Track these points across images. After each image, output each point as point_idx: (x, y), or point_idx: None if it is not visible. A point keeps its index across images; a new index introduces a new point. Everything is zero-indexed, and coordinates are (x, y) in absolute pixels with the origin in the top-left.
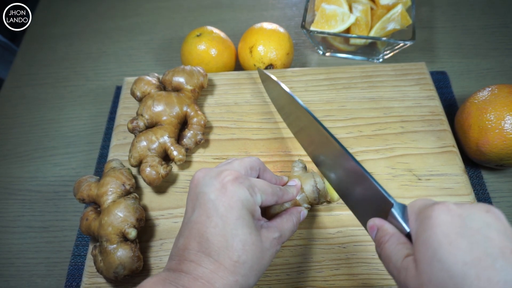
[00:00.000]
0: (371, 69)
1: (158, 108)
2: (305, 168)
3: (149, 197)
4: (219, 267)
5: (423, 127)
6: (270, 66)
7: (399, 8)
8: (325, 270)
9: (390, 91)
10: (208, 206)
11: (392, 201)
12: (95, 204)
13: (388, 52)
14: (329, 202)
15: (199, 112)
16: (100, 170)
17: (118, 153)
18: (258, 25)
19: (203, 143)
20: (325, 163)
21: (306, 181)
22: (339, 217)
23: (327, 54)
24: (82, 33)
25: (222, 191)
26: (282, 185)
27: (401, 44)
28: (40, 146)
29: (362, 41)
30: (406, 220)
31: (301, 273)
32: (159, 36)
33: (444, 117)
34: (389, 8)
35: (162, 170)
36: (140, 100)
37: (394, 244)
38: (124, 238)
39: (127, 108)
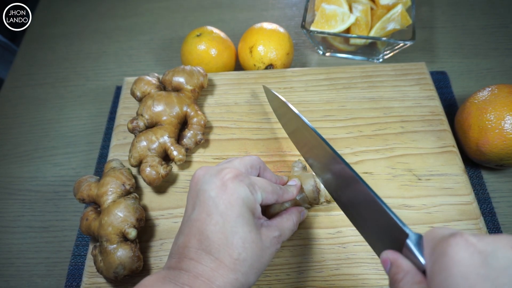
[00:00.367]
0: (371, 69)
1: (158, 108)
2: (305, 168)
3: (149, 197)
4: (219, 265)
5: (423, 127)
6: (270, 66)
7: (399, 8)
8: (325, 270)
9: (390, 91)
10: (208, 203)
11: (407, 231)
12: (95, 204)
13: (388, 52)
14: (329, 202)
15: (199, 112)
16: (100, 170)
17: (118, 153)
18: (258, 25)
19: (203, 143)
20: (332, 185)
21: (306, 181)
22: (339, 217)
23: (327, 54)
24: (82, 33)
25: (223, 188)
26: (282, 185)
27: (401, 44)
28: (40, 146)
29: (362, 41)
30: (422, 251)
31: (301, 273)
32: (159, 36)
33: (444, 117)
34: (389, 8)
35: (162, 170)
36: (140, 100)
37: (408, 283)
38: (124, 238)
39: (127, 108)
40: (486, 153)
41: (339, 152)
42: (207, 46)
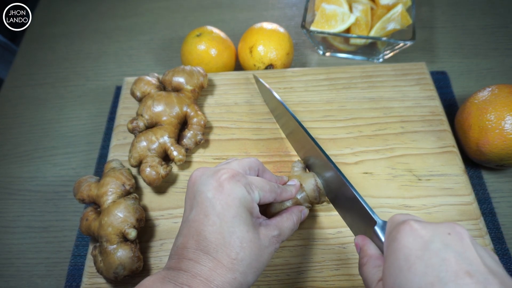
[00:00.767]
0: (371, 69)
1: (158, 108)
2: (305, 168)
3: (149, 197)
4: (217, 265)
5: (423, 127)
6: (270, 66)
7: (399, 8)
8: (325, 271)
9: (390, 91)
10: (205, 204)
11: (376, 219)
12: (95, 204)
13: (388, 52)
14: (329, 202)
15: (199, 112)
16: (100, 170)
17: (118, 153)
18: (258, 25)
19: (203, 143)
20: (315, 169)
21: (306, 180)
22: (339, 217)
23: (327, 54)
24: (82, 33)
25: (219, 189)
26: (282, 185)
27: (401, 44)
28: (40, 146)
29: (362, 41)
30: None
31: (301, 273)
32: (159, 36)
33: (444, 117)
34: (389, 8)
35: (162, 170)
36: (140, 100)
37: (370, 267)
38: (124, 238)
39: (127, 108)
40: (486, 153)
41: (339, 152)
42: (207, 46)
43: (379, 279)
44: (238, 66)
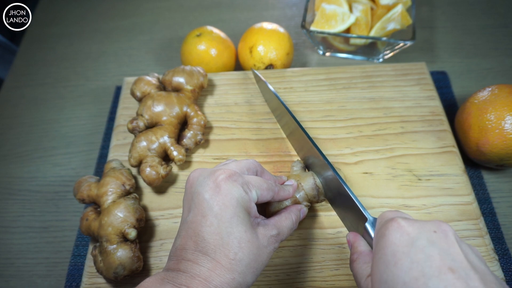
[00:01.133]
0: (371, 69)
1: (158, 108)
2: (304, 168)
3: (149, 197)
4: (216, 265)
5: (423, 127)
6: (270, 66)
7: (399, 8)
8: (325, 270)
9: (390, 91)
10: (203, 205)
11: (367, 215)
12: (95, 204)
13: (388, 52)
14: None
15: (199, 112)
16: (100, 170)
17: (118, 153)
18: (258, 25)
19: (203, 143)
20: (314, 168)
21: (305, 179)
22: (338, 217)
23: (327, 54)
24: (82, 33)
25: (216, 190)
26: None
27: (401, 44)
28: (40, 146)
29: (362, 41)
30: None
31: (301, 273)
32: (159, 36)
33: (444, 117)
34: (389, 8)
35: (162, 170)
36: (140, 100)
37: (360, 263)
38: (124, 238)
39: (127, 108)
40: (486, 153)
41: (339, 152)
42: (207, 46)
43: (368, 275)
44: (238, 66)
